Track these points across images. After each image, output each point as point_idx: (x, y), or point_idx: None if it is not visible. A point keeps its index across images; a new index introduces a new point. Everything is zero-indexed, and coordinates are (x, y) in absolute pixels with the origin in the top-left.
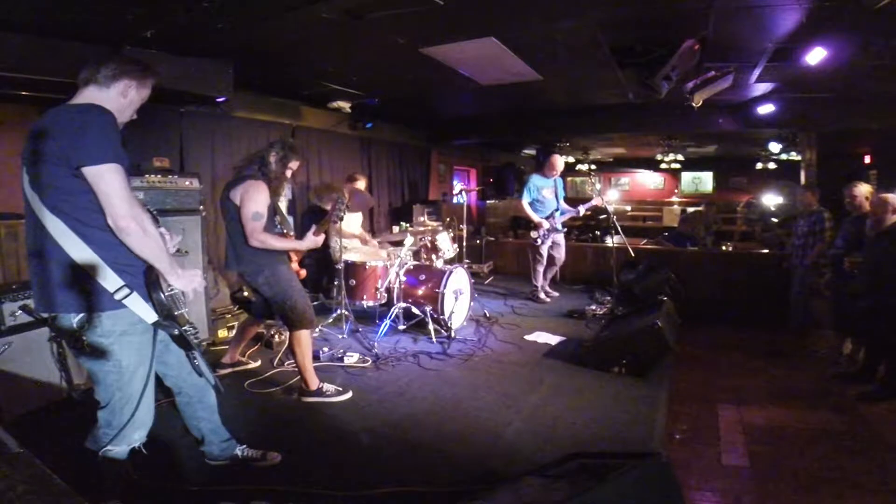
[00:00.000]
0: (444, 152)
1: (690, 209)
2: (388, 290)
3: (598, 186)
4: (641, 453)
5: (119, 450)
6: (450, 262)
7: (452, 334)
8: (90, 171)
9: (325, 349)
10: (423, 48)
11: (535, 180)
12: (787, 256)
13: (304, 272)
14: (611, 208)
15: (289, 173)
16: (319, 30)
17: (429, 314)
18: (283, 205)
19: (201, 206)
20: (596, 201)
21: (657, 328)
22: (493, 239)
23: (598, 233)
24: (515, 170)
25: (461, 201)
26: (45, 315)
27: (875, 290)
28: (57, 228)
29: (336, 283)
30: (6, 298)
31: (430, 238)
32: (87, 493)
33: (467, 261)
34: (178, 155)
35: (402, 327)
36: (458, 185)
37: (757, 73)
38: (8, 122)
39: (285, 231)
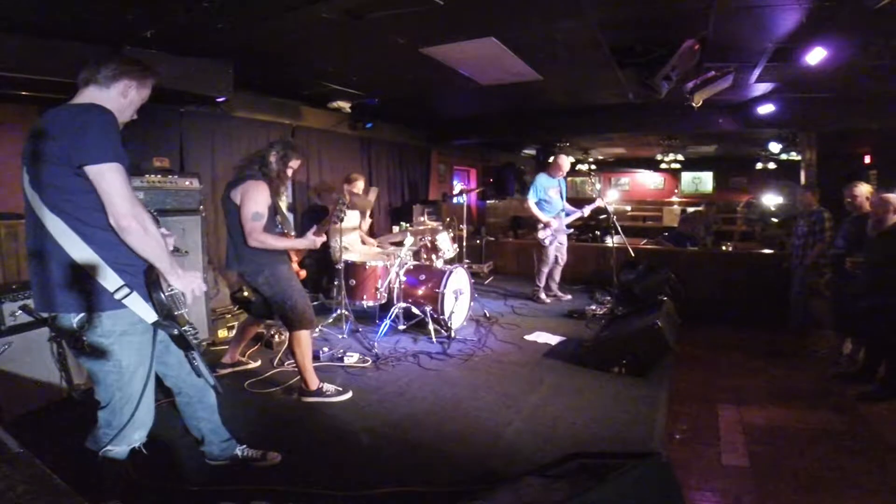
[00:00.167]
0: (444, 152)
1: (690, 209)
2: (389, 290)
3: (598, 186)
4: (641, 453)
5: (119, 450)
6: (450, 262)
7: (452, 334)
8: (91, 171)
9: (325, 349)
10: (423, 48)
11: (542, 180)
12: (787, 256)
13: (304, 272)
14: (611, 208)
15: (290, 172)
16: (319, 30)
17: (429, 314)
18: (283, 204)
19: (201, 206)
20: (598, 203)
21: (657, 328)
22: (493, 239)
23: (598, 233)
24: (515, 170)
25: (461, 201)
26: (45, 315)
27: (875, 290)
28: (57, 228)
29: (336, 283)
30: (6, 298)
31: (430, 238)
32: (87, 493)
33: (467, 261)
34: (178, 155)
35: (402, 327)
36: (458, 185)
37: (757, 73)
38: (8, 122)
39: (286, 230)
